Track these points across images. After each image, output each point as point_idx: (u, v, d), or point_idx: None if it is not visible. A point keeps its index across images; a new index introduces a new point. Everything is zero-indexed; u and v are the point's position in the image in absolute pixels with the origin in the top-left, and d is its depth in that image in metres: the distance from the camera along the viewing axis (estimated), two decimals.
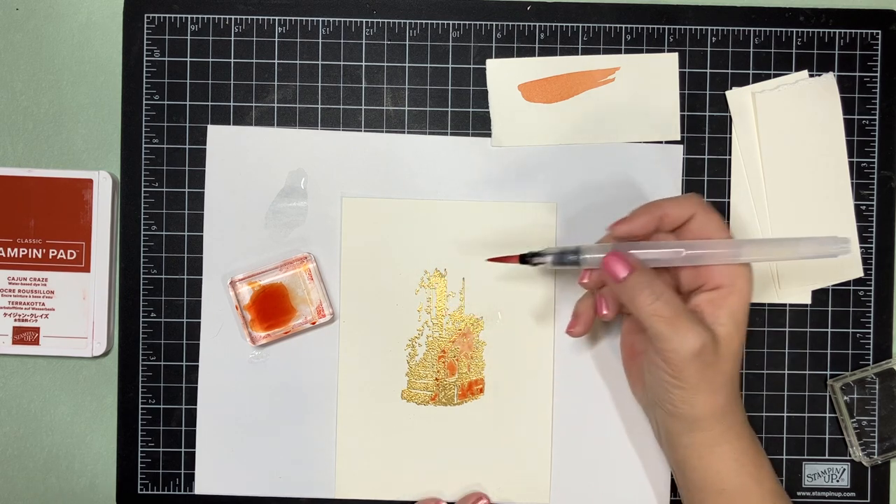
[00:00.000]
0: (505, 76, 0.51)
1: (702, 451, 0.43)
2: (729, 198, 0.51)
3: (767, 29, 0.51)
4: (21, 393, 0.52)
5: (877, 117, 0.51)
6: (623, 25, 0.51)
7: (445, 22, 0.51)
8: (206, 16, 0.51)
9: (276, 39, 0.51)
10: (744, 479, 0.43)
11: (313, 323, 0.50)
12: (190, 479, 0.51)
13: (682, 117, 0.51)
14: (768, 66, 0.51)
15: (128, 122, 0.51)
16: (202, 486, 0.51)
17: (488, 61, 0.51)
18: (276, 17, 0.51)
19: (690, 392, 0.42)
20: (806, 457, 0.51)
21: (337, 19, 0.51)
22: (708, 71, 0.51)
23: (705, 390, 0.42)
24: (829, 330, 0.52)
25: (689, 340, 0.40)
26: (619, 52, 0.51)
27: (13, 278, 0.50)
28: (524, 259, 0.45)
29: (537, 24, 0.51)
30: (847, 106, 0.51)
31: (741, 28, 0.51)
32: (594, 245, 0.45)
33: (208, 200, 0.51)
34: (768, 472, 0.44)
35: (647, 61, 0.51)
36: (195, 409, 0.51)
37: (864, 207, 0.51)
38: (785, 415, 0.52)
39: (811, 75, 0.51)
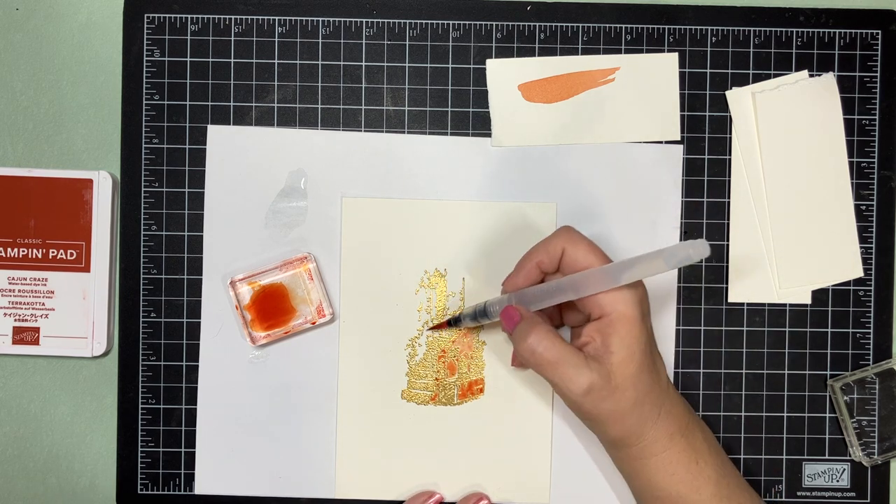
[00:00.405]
0: (505, 76, 0.51)
1: (632, 463, 0.44)
2: (729, 198, 0.51)
3: (767, 29, 0.51)
4: (21, 393, 0.52)
5: (877, 117, 0.51)
6: (623, 25, 0.51)
7: (445, 22, 0.51)
8: (206, 16, 0.51)
9: (276, 39, 0.51)
10: (678, 487, 0.43)
11: (313, 323, 0.50)
12: (190, 479, 0.51)
13: (682, 117, 0.51)
14: (768, 66, 0.51)
15: (128, 122, 0.51)
16: (202, 486, 0.51)
17: (488, 61, 0.51)
18: (276, 17, 0.51)
19: (595, 423, 0.43)
20: (806, 457, 0.52)
21: (337, 19, 0.51)
22: (708, 71, 0.51)
23: (608, 420, 0.42)
24: (829, 330, 0.52)
25: (574, 383, 0.41)
26: (619, 52, 0.51)
27: (13, 278, 0.50)
28: (451, 324, 0.49)
29: (537, 24, 0.51)
30: (847, 106, 0.51)
31: (741, 28, 0.51)
32: (497, 298, 0.46)
33: (208, 200, 0.51)
34: (709, 478, 0.43)
35: (647, 61, 0.51)
36: (195, 409, 0.51)
37: (864, 207, 0.51)
38: (785, 415, 0.52)
39: (811, 75, 0.51)
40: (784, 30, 0.51)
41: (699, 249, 0.36)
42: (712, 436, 0.46)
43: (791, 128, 0.51)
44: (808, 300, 0.51)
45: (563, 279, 0.43)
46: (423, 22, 0.51)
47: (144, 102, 0.51)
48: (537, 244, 0.45)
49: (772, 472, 0.51)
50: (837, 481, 0.51)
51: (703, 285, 0.51)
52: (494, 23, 0.51)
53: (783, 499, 0.51)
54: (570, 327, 0.49)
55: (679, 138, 0.51)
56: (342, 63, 0.51)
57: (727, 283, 0.51)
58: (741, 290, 0.51)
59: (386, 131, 0.51)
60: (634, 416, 0.42)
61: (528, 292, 0.44)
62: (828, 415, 0.52)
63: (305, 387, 0.51)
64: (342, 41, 0.51)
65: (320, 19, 0.51)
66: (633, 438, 0.43)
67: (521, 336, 0.42)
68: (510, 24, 0.51)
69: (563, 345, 0.42)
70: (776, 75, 0.51)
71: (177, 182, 0.51)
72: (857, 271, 0.51)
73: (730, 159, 0.51)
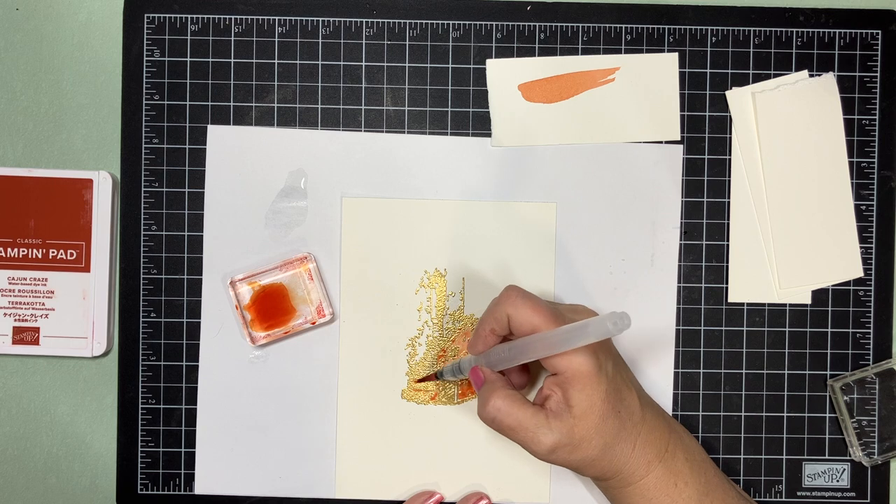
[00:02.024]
0: (505, 76, 0.51)
1: (611, 491, 0.46)
2: (729, 198, 0.51)
3: (767, 29, 0.51)
4: (21, 393, 0.52)
5: (877, 117, 0.51)
6: (623, 25, 0.51)
7: (445, 22, 0.51)
8: (206, 16, 0.51)
9: (276, 39, 0.51)
10: None
11: (313, 323, 0.50)
12: (190, 479, 0.51)
13: (682, 117, 0.51)
14: (768, 66, 0.51)
15: (128, 122, 0.51)
16: (202, 486, 0.51)
17: (488, 61, 0.51)
18: (276, 17, 0.51)
19: (570, 469, 0.44)
20: (806, 457, 0.52)
21: (337, 19, 0.51)
22: (708, 71, 0.51)
23: (580, 468, 0.43)
24: (829, 330, 0.52)
25: (537, 445, 0.42)
26: (619, 52, 0.51)
27: (13, 278, 0.50)
28: (437, 377, 0.50)
29: (537, 24, 0.51)
30: (847, 106, 0.51)
31: (741, 28, 0.51)
32: (469, 357, 0.47)
33: (208, 200, 0.51)
34: (689, 498, 0.44)
35: (647, 61, 0.51)
36: (195, 409, 0.51)
37: (864, 207, 0.51)
38: (785, 415, 0.52)
39: (811, 75, 0.51)
40: (784, 30, 0.51)
41: (621, 323, 0.37)
42: (700, 452, 0.46)
43: (791, 128, 0.51)
44: (808, 300, 0.51)
45: (514, 344, 0.43)
46: (423, 22, 0.51)
47: (144, 102, 0.51)
48: (487, 309, 0.45)
49: (772, 472, 0.51)
50: (837, 481, 0.51)
51: (703, 285, 0.51)
52: (494, 23, 0.51)
53: (783, 499, 0.51)
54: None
55: (679, 138, 0.51)
56: (342, 63, 0.51)
57: (727, 283, 0.51)
58: (741, 290, 0.51)
59: (386, 131, 0.51)
60: (605, 459, 0.43)
61: (490, 354, 0.45)
62: (828, 415, 0.52)
63: (305, 387, 0.51)
64: (342, 41, 0.51)
65: (320, 19, 0.51)
66: (609, 474, 0.44)
67: (482, 401, 0.43)
68: (510, 24, 0.51)
69: (522, 408, 0.42)
70: (776, 75, 0.51)
71: (177, 182, 0.51)
72: (857, 271, 0.51)
73: (730, 159, 0.51)
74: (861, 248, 0.51)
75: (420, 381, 0.51)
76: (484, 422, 0.44)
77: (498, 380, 0.44)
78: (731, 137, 0.51)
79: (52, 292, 0.50)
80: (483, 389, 0.44)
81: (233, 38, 0.51)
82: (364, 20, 0.51)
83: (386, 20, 0.51)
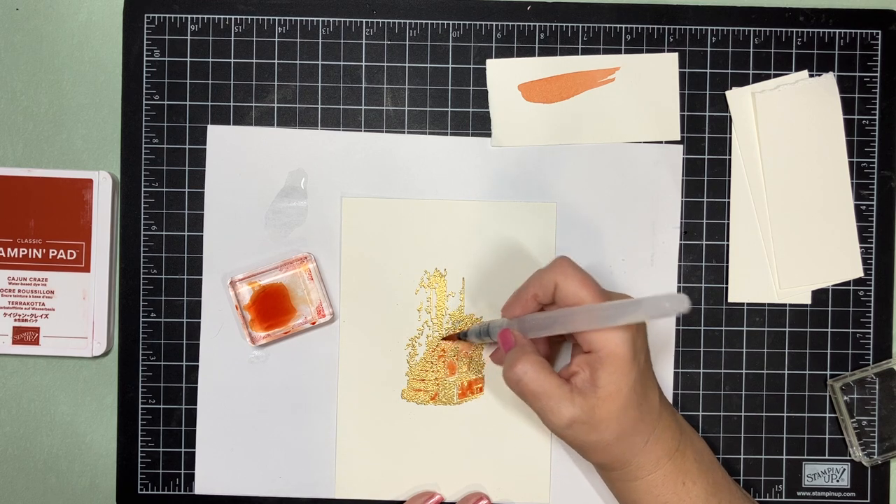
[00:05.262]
0: (505, 76, 0.51)
1: (617, 483, 0.45)
2: (729, 198, 0.51)
3: (767, 29, 0.51)
4: (21, 393, 0.52)
5: (877, 117, 0.51)
6: (623, 25, 0.51)
7: (445, 22, 0.51)
8: (206, 16, 0.51)
9: (276, 39, 0.51)
10: None
11: (313, 323, 0.50)
12: (190, 479, 0.51)
13: (682, 117, 0.51)
14: (768, 66, 0.51)
15: (128, 122, 0.51)
16: (202, 486, 0.51)
17: (488, 61, 0.51)
18: (276, 17, 0.51)
19: (579, 451, 0.44)
20: (806, 457, 0.52)
21: (337, 19, 0.51)
22: (708, 71, 0.51)
23: (591, 450, 0.43)
24: (829, 330, 0.52)
25: (556, 416, 0.41)
26: (619, 52, 0.51)
27: (13, 278, 0.50)
28: (459, 337, 0.50)
29: (537, 24, 0.51)
30: (847, 106, 0.51)
31: (741, 28, 0.51)
32: (499, 320, 0.46)
33: (208, 200, 0.51)
34: (696, 497, 0.44)
35: (647, 61, 0.51)
36: (195, 409, 0.51)
37: (864, 207, 0.51)
38: (785, 415, 0.52)
39: (811, 75, 0.51)
40: (784, 30, 0.51)
41: (676, 304, 0.36)
42: (708, 454, 0.46)
43: (791, 128, 0.51)
44: (808, 300, 0.51)
45: (555, 312, 0.43)
46: (423, 22, 0.51)
47: (144, 102, 0.51)
48: (534, 274, 0.44)
49: (772, 472, 0.51)
50: (837, 481, 0.51)
51: (703, 285, 0.51)
52: (494, 23, 0.51)
53: (783, 499, 0.51)
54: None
55: (679, 138, 0.51)
56: (342, 63, 0.51)
57: (727, 283, 0.51)
58: (741, 290, 0.51)
59: (386, 131, 0.51)
60: (618, 447, 0.43)
61: (526, 319, 0.44)
62: (828, 415, 0.52)
63: (305, 387, 0.51)
64: (342, 41, 0.51)
65: (320, 19, 0.51)
66: (617, 464, 0.44)
67: (509, 363, 0.43)
68: (510, 24, 0.51)
69: (549, 377, 0.42)
70: (776, 75, 0.51)
71: (177, 182, 0.51)
72: (857, 271, 0.51)
73: (730, 159, 0.51)
74: (861, 248, 0.51)
75: (445, 339, 0.51)
76: (508, 383, 0.43)
77: (529, 344, 0.44)
78: (731, 137, 0.51)
79: (52, 292, 0.50)
80: (513, 351, 0.43)
81: (233, 38, 0.51)
82: (364, 20, 0.51)
83: (386, 20, 0.51)
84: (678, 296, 0.36)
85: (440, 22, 0.51)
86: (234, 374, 0.51)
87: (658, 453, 0.43)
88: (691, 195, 0.51)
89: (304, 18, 0.51)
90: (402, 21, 0.51)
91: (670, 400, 0.51)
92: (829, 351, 0.51)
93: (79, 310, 0.50)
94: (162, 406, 0.51)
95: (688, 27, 0.51)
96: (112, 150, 0.51)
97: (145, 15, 0.51)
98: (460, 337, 0.50)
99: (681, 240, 0.51)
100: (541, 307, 0.45)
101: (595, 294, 0.42)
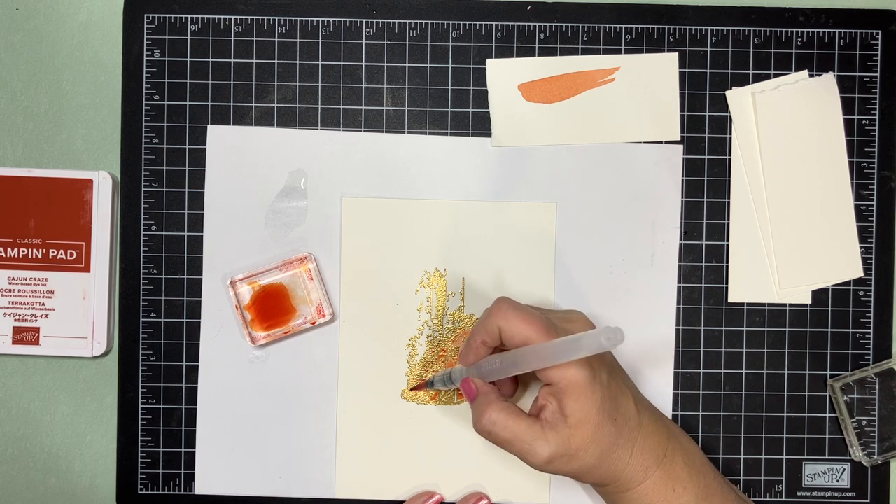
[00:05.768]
0: (505, 76, 0.51)
1: (610, 496, 0.46)
2: (729, 198, 0.51)
3: (767, 29, 0.51)
4: (21, 393, 0.52)
5: (877, 117, 0.51)
6: (623, 25, 0.51)
7: (445, 22, 0.51)
8: (206, 16, 0.51)
9: (276, 39, 0.51)
10: None
11: (313, 323, 0.50)
12: (190, 479, 0.51)
13: (682, 117, 0.51)
14: (768, 66, 0.51)
15: (128, 122, 0.51)
16: (202, 486, 0.51)
17: (488, 61, 0.51)
18: (276, 17, 0.51)
19: (569, 477, 0.44)
20: (806, 457, 0.52)
21: (337, 19, 0.51)
22: (708, 71, 0.51)
23: (577, 475, 0.43)
24: (829, 330, 0.52)
25: (534, 457, 0.42)
26: (619, 52, 0.51)
27: (13, 278, 0.50)
28: (427, 385, 0.50)
29: (537, 24, 0.51)
30: (847, 106, 0.51)
31: (741, 28, 0.51)
32: (460, 368, 0.46)
33: (208, 200, 0.51)
34: (687, 503, 0.44)
35: (647, 61, 0.51)
36: (195, 409, 0.51)
37: (864, 207, 0.51)
38: (785, 415, 0.52)
39: (811, 75, 0.51)
40: (784, 30, 0.51)
41: (615, 337, 0.38)
42: (699, 456, 0.46)
43: (791, 128, 0.51)
44: (808, 300, 0.51)
45: (506, 355, 0.43)
46: (423, 22, 0.51)
47: (144, 102, 0.51)
48: (479, 320, 0.45)
49: (772, 472, 0.51)
50: (837, 481, 0.51)
51: (703, 285, 0.51)
52: (494, 23, 0.51)
53: (783, 499, 0.51)
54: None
55: (679, 138, 0.51)
56: (342, 63, 0.51)
57: (727, 283, 0.51)
58: (741, 290, 0.51)
59: (386, 131, 0.51)
60: (604, 467, 0.43)
61: (482, 366, 0.44)
62: (828, 415, 0.52)
63: (305, 387, 0.51)
64: (342, 41, 0.51)
65: (320, 19, 0.51)
66: (608, 480, 0.44)
67: (477, 416, 0.43)
68: (510, 24, 0.51)
69: (518, 421, 0.42)
70: (776, 75, 0.51)
71: (177, 182, 0.51)
72: (857, 271, 0.51)
73: (730, 159, 0.51)
74: (861, 248, 0.51)
75: (412, 389, 0.51)
76: (480, 434, 0.44)
77: (491, 391, 0.44)
78: (731, 137, 0.51)
79: (52, 292, 0.50)
80: (477, 402, 0.44)
81: (233, 38, 0.51)
82: (364, 20, 0.51)
83: (386, 20, 0.51)
84: (614, 329, 0.38)
85: (440, 22, 0.51)
86: (234, 374, 0.51)
87: (646, 462, 0.43)
88: (691, 195, 0.51)
89: (304, 18, 0.51)
90: (402, 21, 0.51)
91: (670, 400, 0.51)
92: (829, 351, 0.51)
93: (79, 310, 0.50)
94: (162, 406, 0.51)
95: (688, 27, 0.51)
96: (112, 150, 0.51)
97: (145, 15, 0.51)
98: (428, 385, 0.50)
99: (681, 240, 0.51)
100: (493, 350, 0.45)
101: (539, 329, 0.42)
